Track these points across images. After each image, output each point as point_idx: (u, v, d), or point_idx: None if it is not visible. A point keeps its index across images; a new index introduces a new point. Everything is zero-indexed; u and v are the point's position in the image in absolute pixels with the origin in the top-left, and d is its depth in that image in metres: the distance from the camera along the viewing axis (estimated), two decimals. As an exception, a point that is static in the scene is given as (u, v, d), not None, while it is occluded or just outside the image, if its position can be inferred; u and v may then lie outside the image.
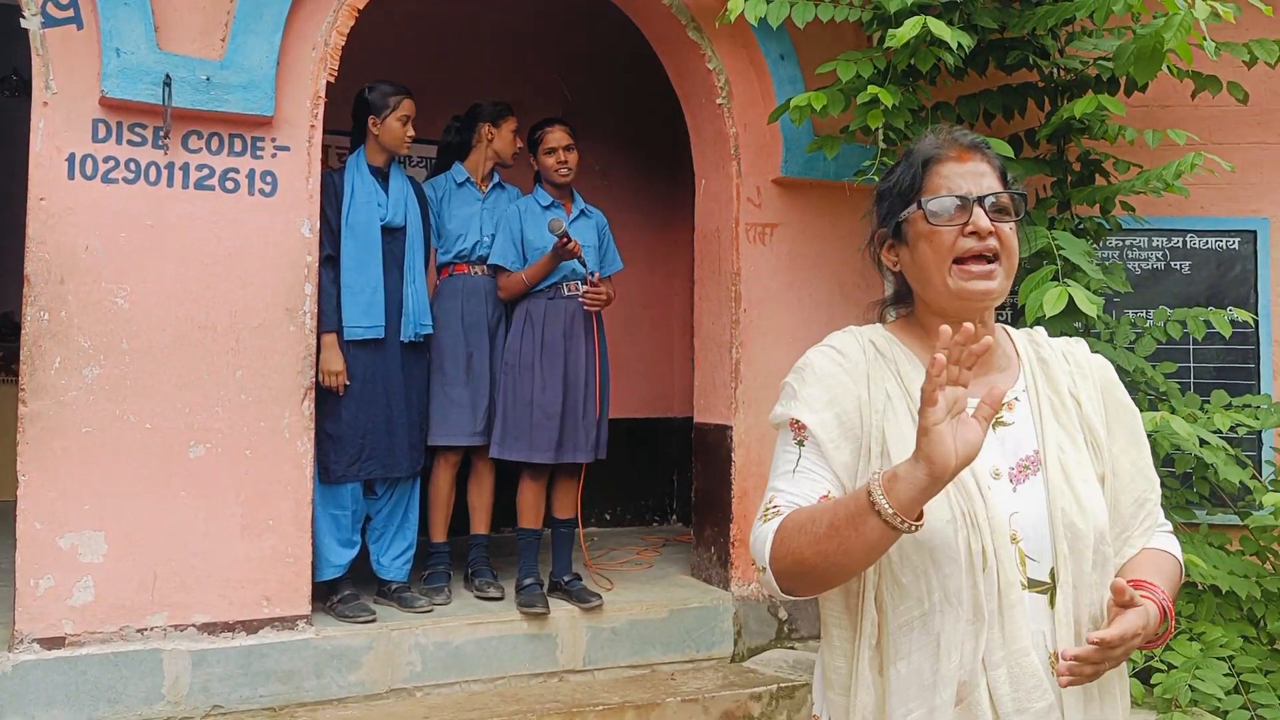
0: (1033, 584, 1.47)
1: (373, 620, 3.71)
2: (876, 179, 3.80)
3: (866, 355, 1.58)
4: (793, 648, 4.22)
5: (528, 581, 4.03)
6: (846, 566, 1.39)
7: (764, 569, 1.46)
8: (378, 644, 3.66)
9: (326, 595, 3.78)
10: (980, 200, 1.52)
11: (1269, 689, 3.34)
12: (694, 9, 4.22)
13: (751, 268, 4.30)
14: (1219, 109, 4.35)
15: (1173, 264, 4.52)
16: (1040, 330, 1.69)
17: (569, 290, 4.12)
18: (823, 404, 1.54)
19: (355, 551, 3.85)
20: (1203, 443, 3.43)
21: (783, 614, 4.28)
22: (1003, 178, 1.57)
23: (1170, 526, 1.67)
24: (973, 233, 1.51)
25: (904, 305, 1.68)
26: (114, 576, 3.33)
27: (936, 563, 1.44)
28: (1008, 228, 1.53)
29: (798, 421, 1.54)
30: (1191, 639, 3.41)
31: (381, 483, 3.93)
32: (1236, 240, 4.50)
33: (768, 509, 1.51)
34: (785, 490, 1.51)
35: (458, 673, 3.77)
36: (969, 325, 1.29)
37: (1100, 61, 3.91)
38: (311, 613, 3.61)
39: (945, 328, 1.30)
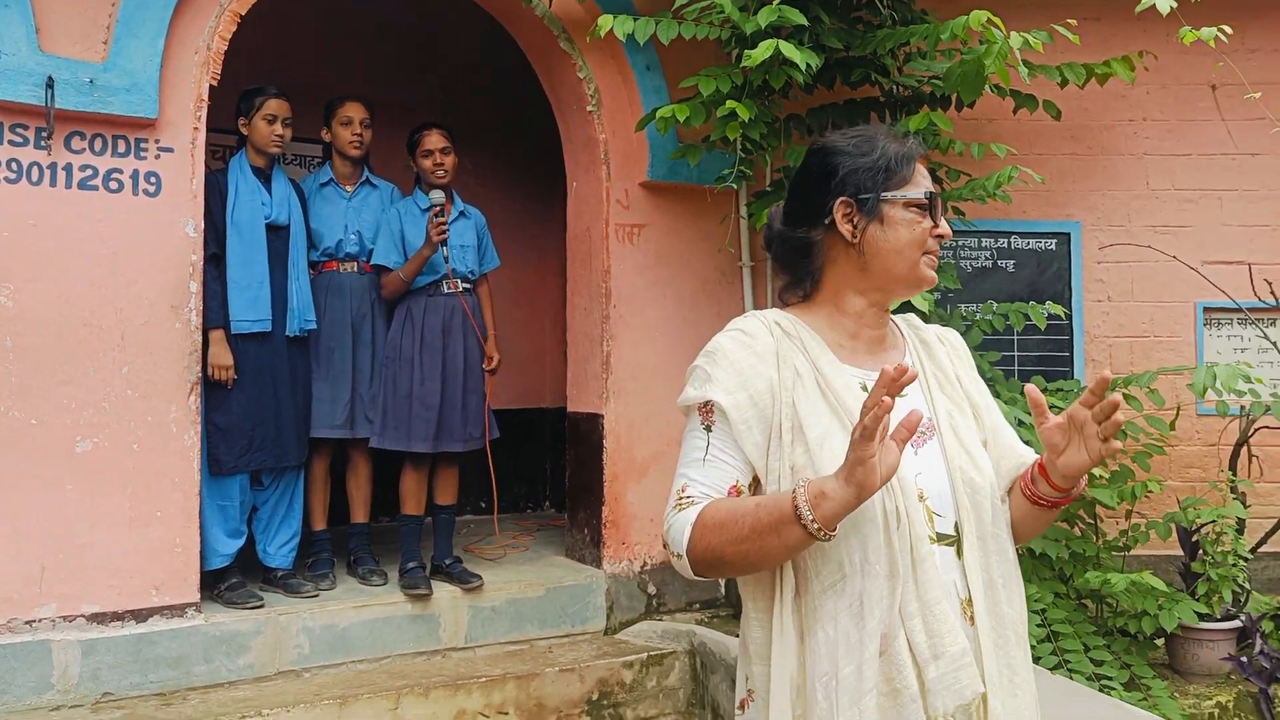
0: (941, 538, 1.57)
1: (260, 606, 3.84)
2: (736, 186, 4.14)
3: (774, 335, 1.65)
4: (661, 619, 4.52)
5: (410, 565, 4.21)
6: (762, 564, 1.52)
7: (679, 555, 1.55)
8: (266, 628, 3.79)
9: (214, 584, 3.89)
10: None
11: (1074, 637, 3.82)
12: (565, 21, 4.46)
13: (620, 266, 4.57)
14: (1038, 123, 4.84)
15: (999, 263, 5.00)
16: (913, 316, 1.86)
17: (448, 288, 4.32)
18: (736, 385, 1.59)
19: (242, 541, 3.98)
20: (1021, 423, 3.87)
21: (651, 589, 4.58)
22: None
23: None
24: (939, 233, 1.66)
25: (797, 291, 1.75)
26: (1, 570, 3.38)
27: (857, 526, 1.51)
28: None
29: (707, 405, 1.61)
30: (1011, 596, 3.86)
31: (268, 473, 4.05)
32: (1054, 241, 5.02)
33: (681, 498, 1.58)
34: (697, 480, 1.59)
35: (344, 654, 3.93)
36: (906, 363, 1.41)
37: (934, 80, 4.33)
38: (200, 600, 3.72)
39: (887, 368, 1.36)
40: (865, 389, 1.60)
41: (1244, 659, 3.87)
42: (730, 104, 3.73)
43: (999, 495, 1.66)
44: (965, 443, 1.66)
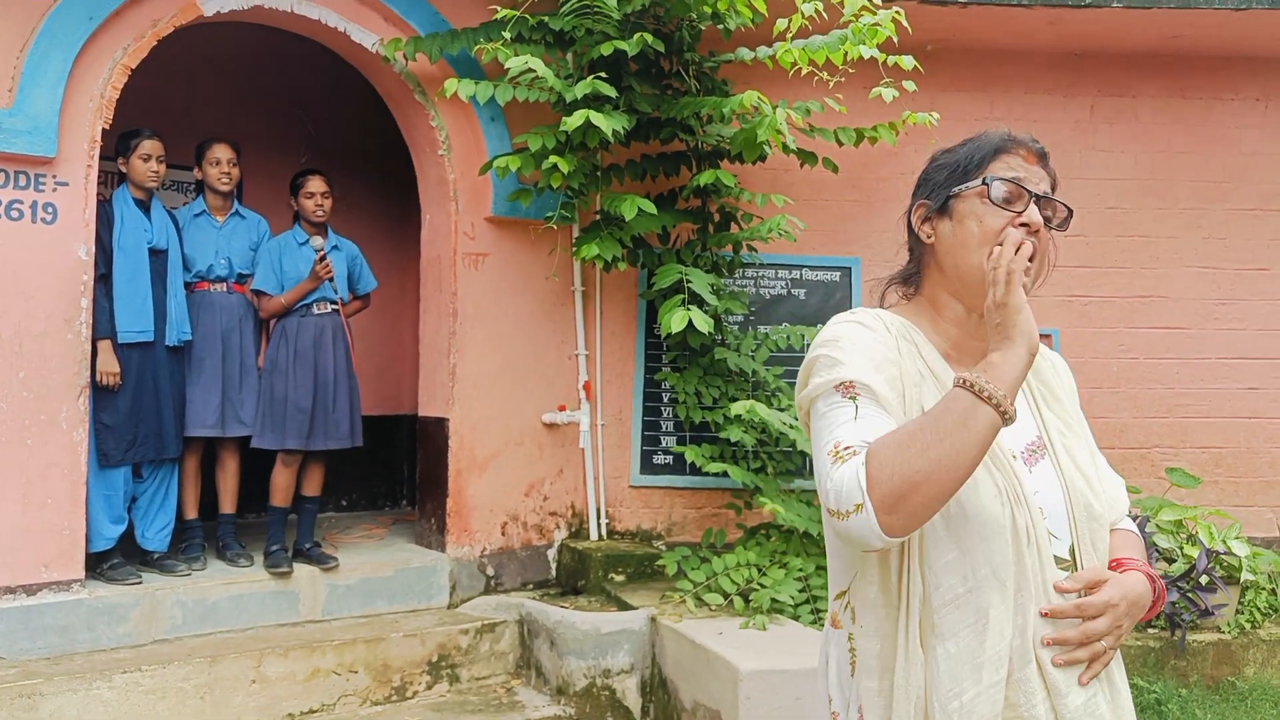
0: (1057, 561, 1.47)
1: (139, 583, 4.40)
2: (558, 225, 4.89)
3: (891, 331, 1.55)
4: (498, 596, 5.21)
5: (275, 548, 4.82)
6: (958, 471, 1.32)
7: (859, 505, 1.32)
8: (143, 602, 4.35)
9: (98, 564, 4.43)
10: (1038, 198, 1.51)
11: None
12: (421, 78, 5.15)
13: (466, 289, 5.26)
14: (823, 174, 5.72)
15: (792, 291, 5.88)
16: None
17: (319, 309, 4.98)
18: (871, 367, 1.48)
19: (124, 527, 4.52)
20: (791, 426, 4.72)
21: (490, 570, 5.27)
22: (1053, 190, 1.56)
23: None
24: (1024, 224, 1.48)
25: (907, 286, 1.67)
26: (-93, 547, 3.88)
27: (984, 538, 1.41)
28: (1048, 235, 1.52)
29: (846, 382, 1.46)
30: (781, 567, 4.70)
31: (148, 466, 4.61)
32: (838, 273, 5.93)
33: (839, 453, 1.39)
34: (851, 436, 1.41)
35: (213, 624, 4.51)
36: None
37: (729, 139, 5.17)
38: (85, 577, 4.26)
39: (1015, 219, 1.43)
40: None
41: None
42: (553, 159, 4.49)
43: (1109, 520, 1.58)
44: (1079, 463, 1.57)
